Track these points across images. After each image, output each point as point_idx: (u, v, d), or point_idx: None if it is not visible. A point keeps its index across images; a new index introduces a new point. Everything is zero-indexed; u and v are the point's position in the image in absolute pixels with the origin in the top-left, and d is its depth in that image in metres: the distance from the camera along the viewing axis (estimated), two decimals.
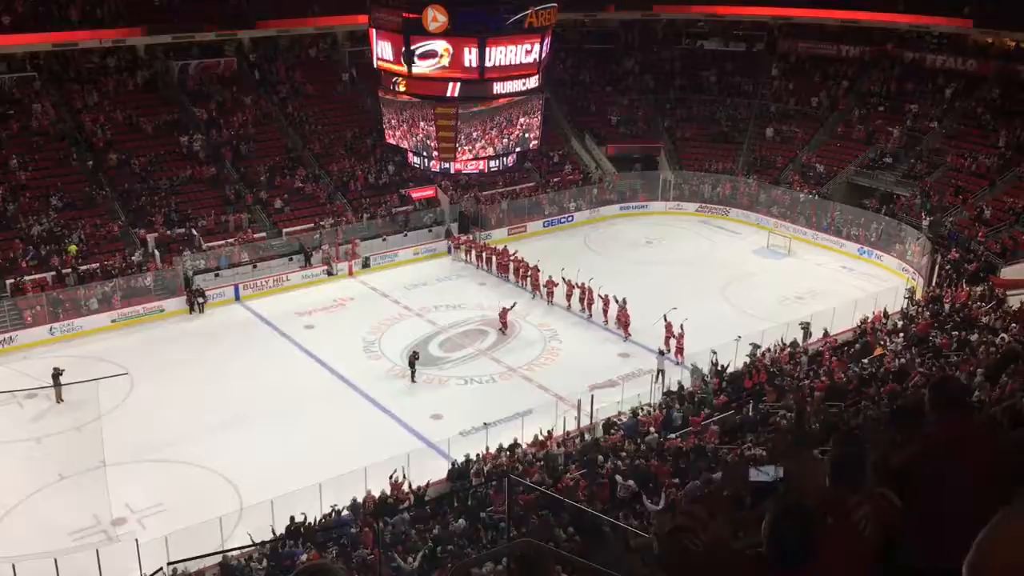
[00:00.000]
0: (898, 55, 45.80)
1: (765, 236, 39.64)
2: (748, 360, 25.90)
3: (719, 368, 25.39)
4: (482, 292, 34.21)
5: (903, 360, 22.97)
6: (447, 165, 31.63)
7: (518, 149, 32.54)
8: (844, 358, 24.77)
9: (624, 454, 20.28)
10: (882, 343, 25.60)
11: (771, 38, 49.13)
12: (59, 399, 25.69)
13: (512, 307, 30.54)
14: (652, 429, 21.76)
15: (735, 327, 28.36)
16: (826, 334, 27.90)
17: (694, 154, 45.85)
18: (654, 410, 23.72)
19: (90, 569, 17.53)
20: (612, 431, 22.64)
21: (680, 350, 27.61)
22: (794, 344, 27.01)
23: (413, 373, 26.96)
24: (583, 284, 31.98)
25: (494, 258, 36.34)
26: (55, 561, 17.49)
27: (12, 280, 30.54)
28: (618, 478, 18.92)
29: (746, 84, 48.11)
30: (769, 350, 26.36)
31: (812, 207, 40.63)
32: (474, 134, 29.92)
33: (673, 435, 21.48)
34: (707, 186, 44.09)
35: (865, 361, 24.31)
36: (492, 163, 32.87)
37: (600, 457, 20.43)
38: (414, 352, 27.46)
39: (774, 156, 44.70)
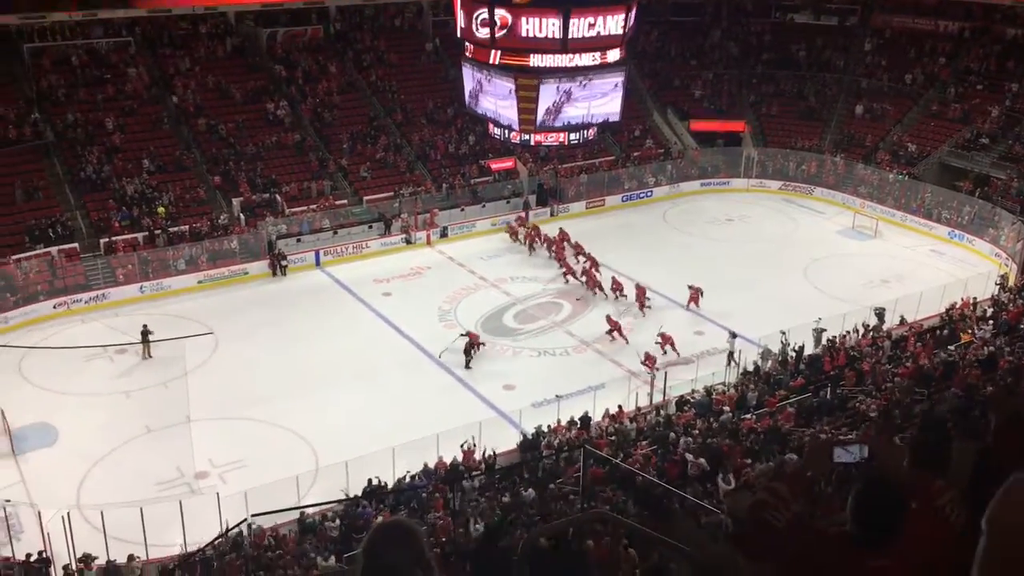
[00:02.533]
0: (1000, 31, 43.86)
1: (851, 216, 38.61)
2: (814, 342, 25.46)
3: (794, 349, 24.97)
4: (557, 265, 34.11)
5: (991, 348, 22.21)
6: (527, 137, 31.51)
7: (599, 122, 32.25)
8: (929, 344, 24.08)
9: (696, 432, 20.15)
10: (970, 330, 24.79)
11: (865, 12, 47.49)
12: (147, 355, 26.64)
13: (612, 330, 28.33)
14: (726, 408, 21.54)
15: (816, 308, 27.81)
16: (903, 321, 27.08)
17: (779, 131, 44.83)
18: (728, 389, 23.48)
19: (173, 519, 18.23)
20: (684, 409, 22.51)
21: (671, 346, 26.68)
22: (877, 328, 26.37)
23: (468, 360, 26.44)
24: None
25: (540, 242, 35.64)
26: (140, 510, 18.22)
27: (106, 239, 31.70)
28: (689, 456, 18.82)
29: (837, 59, 46.70)
30: (848, 334, 25.79)
31: (901, 188, 39.40)
32: (555, 106, 29.75)
33: (747, 415, 21.24)
34: (792, 164, 43.09)
35: (952, 348, 23.61)
36: (572, 136, 32.65)
37: (671, 434, 20.34)
38: (469, 340, 26.66)
39: (863, 134, 43.40)
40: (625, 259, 33.56)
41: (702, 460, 18.42)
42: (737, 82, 46.98)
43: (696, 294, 29.78)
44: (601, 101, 30.78)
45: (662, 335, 26.50)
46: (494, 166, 40.10)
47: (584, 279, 31.88)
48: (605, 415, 22.52)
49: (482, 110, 31.76)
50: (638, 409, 23.32)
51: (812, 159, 42.70)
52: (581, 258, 33.30)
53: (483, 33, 27.79)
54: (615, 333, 27.64)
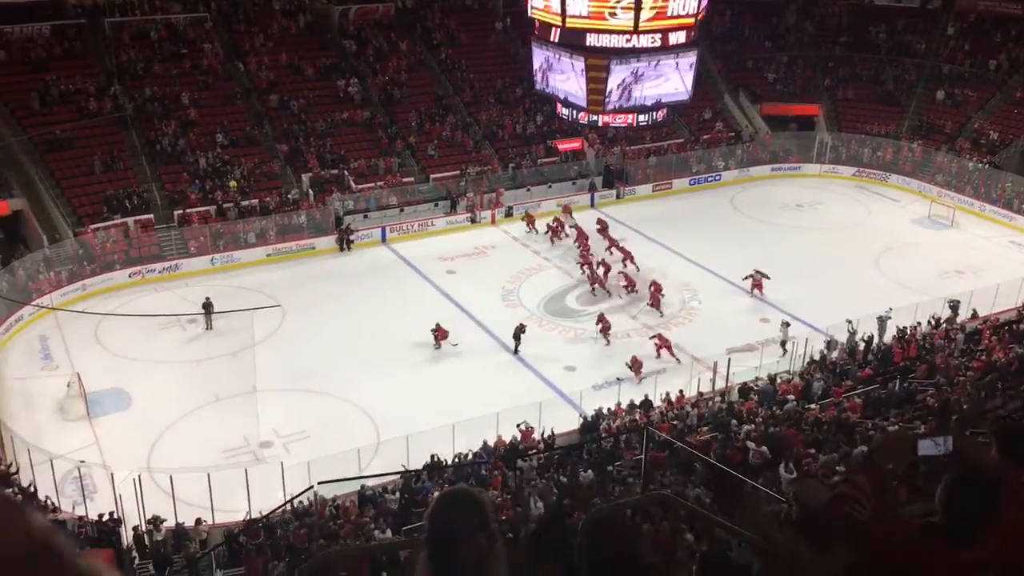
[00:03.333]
0: None
1: (927, 205, 37.55)
2: (877, 331, 24.89)
3: (863, 339, 24.46)
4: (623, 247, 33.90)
5: None
6: (595, 118, 31.34)
7: (668, 104, 31.85)
8: (1005, 338, 23.35)
9: (759, 420, 19.89)
10: None
11: None
12: (208, 327, 27.23)
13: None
14: (791, 397, 21.21)
15: (887, 298, 27.16)
16: (975, 314, 26.28)
17: (854, 115, 43.73)
18: (793, 378, 23.12)
19: (238, 486, 18.67)
20: (748, 396, 22.23)
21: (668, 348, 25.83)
22: (950, 321, 25.66)
23: (517, 346, 26.27)
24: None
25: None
26: (208, 476, 18.72)
27: (180, 211, 32.45)
28: (750, 444, 18.59)
29: (917, 43, 45.32)
30: (918, 325, 25.16)
31: (981, 177, 38.16)
32: (625, 87, 29.48)
33: (812, 405, 20.89)
34: (867, 150, 42.04)
35: None
36: (641, 117, 32.35)
37: (734, 421, 20.12)
38: (521, 325, 26.47)
39: (943, 121, 42.11)
40: (690, 244, 33.20)
41: (764, 448, 18.19)
42: (812, 65, 45.91)
43: (760, 280, 29.30)
44: (671, 83, 30.43)
45: (659, 337, 25.72)
46: (561, 147, 39.94)
47: (597, 273, 30.48)
48: (666, 400, 22.37)
49: (551, 90, 31.66)
50: (700, 395, 23.11)
51: (888, 145, 41.60)
52: (615, 251, 32.10)
53: (554, 13, 27.68)
54: (605, 333, 26.57)
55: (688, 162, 41.11)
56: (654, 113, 32.06)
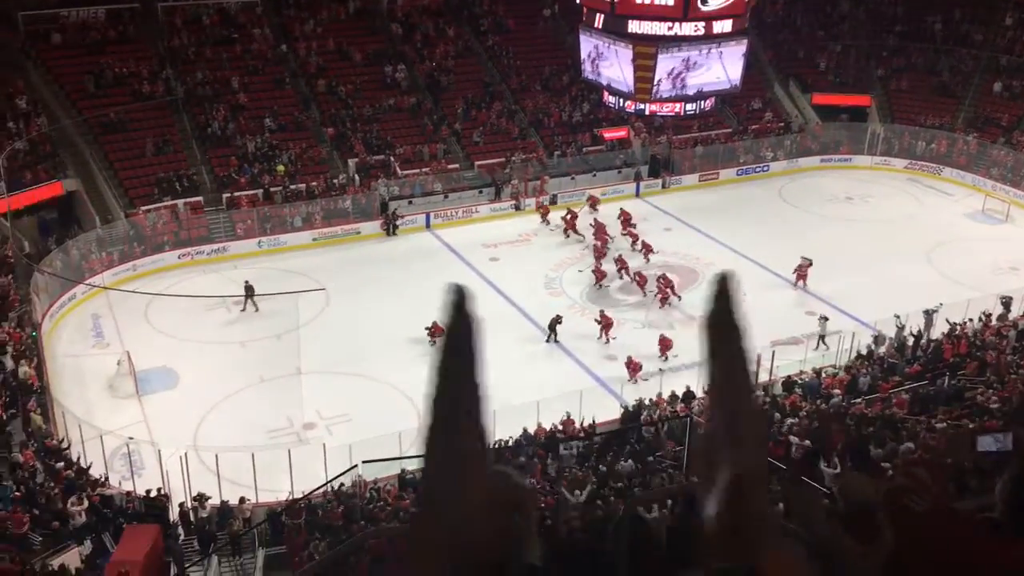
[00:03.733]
0: None
1: (981, 199, 36.73)
2: (924, 325, 24.43)
3: (914, 335, 24.05)
4: (668, 237, 33.67)
5: None
6: (642, 106, 31.08)
7: (717, 93, 31.49)
8: None
9: (803, 414, 19.68)
10: None
11: None
12: (246, 309, 27.59)
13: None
14: (836, 391, 20.95)
15: (937, 294, 26.64)
16: None
17: (908, 107, 42.88)
18: (839, 372, 22.82)
19: (282, 465, 18.93)
20: (792, 390, 21.99)
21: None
22: (1002, 317, 25.12)
23: (554, 335, 26.13)
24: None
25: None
26: (252, 455, 19.02)
27: (228, 194, 32.88)
28: (793, 439, 18.40)
29: (975, 33, 44.22)
30: (968, 321, 24.66)
31: None
32: (673, 75, 29.19)
33: (858, 400, 20.61)
34: (920, 142, 41.21)
35: None
36: (689, 106, 32.03)
37: (777, 415, 19.93)
38: (557, 316, 26.27)
39: (999, 113, 41.10)
40: (736, 235, 32.84)
41: (808, 443, 17.99)
42: (865, 54, 45.06)
43: (804, 271, 28.85)
44: (720, 71, 30.07)
45: (662, 338, 24.94)
46: (607, 135, 39.74)
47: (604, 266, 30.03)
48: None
49: (598, 78, 31.44)
50: None
51: (942, 138, 40.73)
52: (637, 245, 31.73)
53: None
54: (604, 331, 25.98)
55: (736, 152, 40.66)
56: (702, 102, 31.72)
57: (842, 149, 42.22)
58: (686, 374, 23.45)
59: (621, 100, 30.90)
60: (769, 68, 44.62)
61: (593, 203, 35.67)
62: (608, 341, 25.91)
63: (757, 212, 35.95)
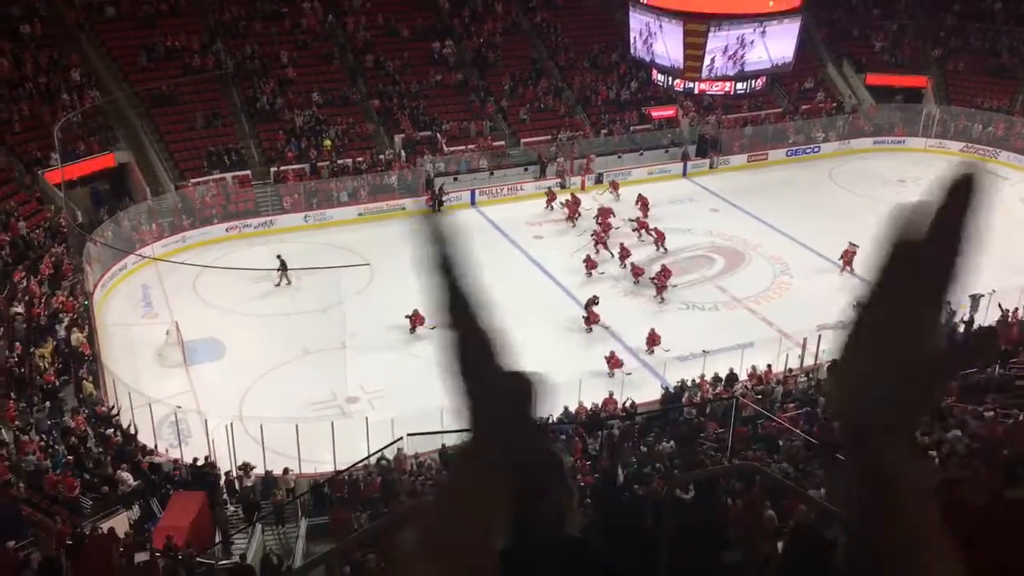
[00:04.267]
0: None
1: None
2: (969, 309, 23.92)
3: (963, 321, 23.58)
4: (715, 218, 33.34)
5: None
6: (691, 85, 30.84)
7: (768, 72, 31.01)
8: None
9: None
10: None
11: None
12: (282, 283, 27.84)
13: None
14: None
15: (991, 280, 26.01)
16: None
17: (965, 88, 41.83)
18: None
19: (324, 438, 19.16)
20: None
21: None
22: None
23: (588, 317, 25.89)
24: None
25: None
26: (296, 427, 19.28)
27: (276, 168, 33.17)
28: (836, 424, 18.15)
29: None
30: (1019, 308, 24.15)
31: None
32: (724, 54, 28.77)
33: None
34: (977, 124, 40.20)
35: None
36: (739, 85, 31.65)
37: (822, 399, 19.69)
38: (594, 296, 25.87)
39: None
40: (784, 217, 32.39)
41: None
42: (922, 34, 43.98)
43: (850, 255, 28.34)
44: (772, 50, 29.59)
45: (651, 333, 24.23)
46: (655, 114, 39.34)
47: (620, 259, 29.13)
48: (752, 374, 22.02)
49: (647, 56, 31.14)
50: (789, 371, 22.66)
51: (1000, 120, 39.70)
52: (647, 235, 30.73)
53: None
54: (590, 324, 25.18)
55: (786, 133, 40.03)
56: (752, 81, 31.32)
57: (896, 131, 41.35)
58: (727, 356, 23.26)
59: (670, 78, 30.64)
60: (822, 47, 43.76)
61: (615, 187, 35.13)
62: (590, 330, 25.12)
63: (806, 194, 35.40)
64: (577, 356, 23.45)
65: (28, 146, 30.45)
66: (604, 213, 31.46)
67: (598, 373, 21.47)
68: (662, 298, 27.01)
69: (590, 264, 28.52)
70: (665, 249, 30.12)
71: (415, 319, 24.51)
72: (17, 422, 19.23)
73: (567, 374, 21.30)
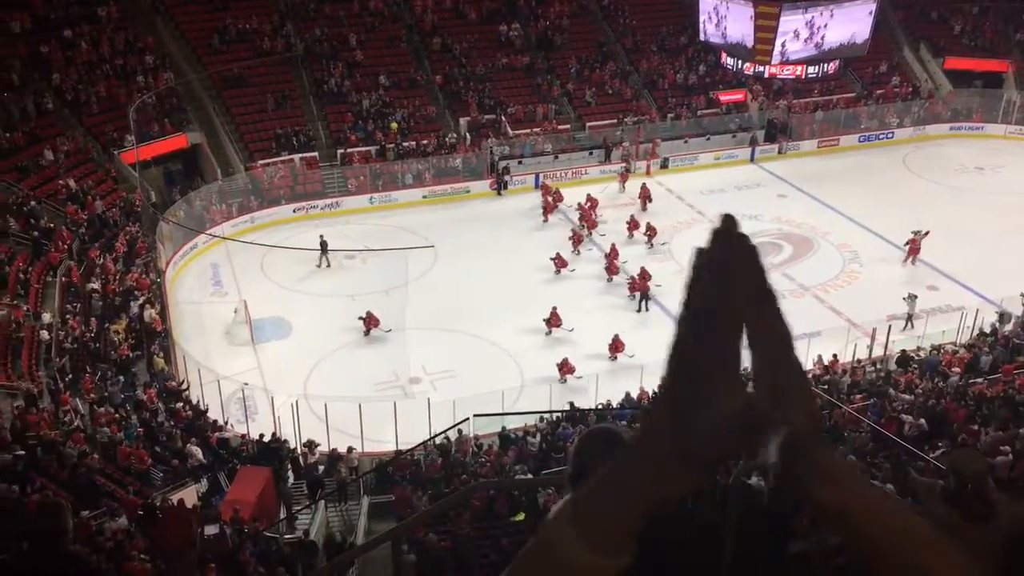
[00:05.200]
0: None
1: None
2: None
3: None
4: (782, 204, 32.75)
5: None
6: (761, 68, 30.26)
7: (842, 55, 30.26)
8: None
9: (919, 392, 18.96)
10: None
11: None
12: (321, 265, 28.13)
13: None
14: (955, 370, 20.09)
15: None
16: None
17: None
18: (960, 350, 21.87)
19: (387, 418, 19.38)
20: (908, 366, 21.20)
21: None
22: None
23: (645, 304, 25.54)
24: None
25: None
26: (359, 406, 19.53)
27: (342, 150, 33.53)
28: (907, 417, 17.74)
29: None
30: None
31: None
32: (796, 36, 28.17)
33: (979, 380, 19.72)
34: None
35: None
36: (811, 69, 30.97)
37: (891, 391, 19.26)
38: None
39: None
40: (854, 204, 31.68)
41: (922, 421, 17.34)
42: (1003, 17, 42.42)
43: (916, 244, 27.50)
44: (846, 33, 28.89)
45: (615, 339, 22.96)
46: (723, 98, 38.74)
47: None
48: (818, 363, 21.63)
49: (716, 38, 30.65)
50: (857, 362, 22.19)
51: None
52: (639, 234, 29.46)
53: None
54: (553, 327, 24.11)
55: (858, 118, 39.07)
56: (825, 65, 30.60)
57: (974, 117, 40.07)
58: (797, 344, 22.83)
59: (740, 62, 30.12)
60: (899, 30, 42.54)
61: (623, 178, 34.01)
62: (549, 332, 24.10)
63: (878, 181, 34.53)
64: (642, 340, 23.30)
65: (105, 127, 31.28)
66: (588, 210, 30.35)
67: (661, 359, 21.24)
68: (635, 298, 25.83)
69: (560, 263, 27.42)
70: (652, 244, 29.05)
71: (370, 321, 24.02)
72: (93, 395, 19.87)
73: (630, 359, 21.24)
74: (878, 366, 22.21)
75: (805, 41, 28.41)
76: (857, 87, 40.33)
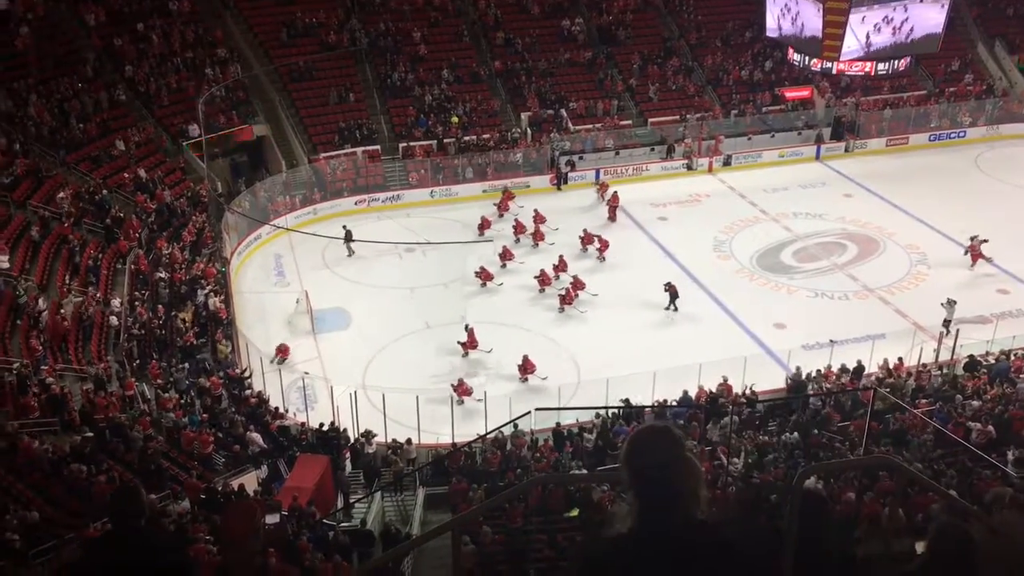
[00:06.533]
0: None
1: None
2: None
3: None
4: (848, 204, 32.12)
5: None
6: (830, 65, 29.64)
7: (913, 53, 29.52)
8: None
9: (988, 397, 18.47)
10: None
11: None
12: (350, 253, 28.39)
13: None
14: None
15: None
16: None
17: None
18: None
19: (443, 409, 19.50)
20: (976, 371, 20.64)
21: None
22: None
23: (673, 304, 25.10)
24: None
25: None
26: (416, 398, 19.72)
27: (404, 144, 33.79)
28: (974, 424, 17.27)
29: None
30: None
31: None
32: (865, 32, 27.58)
33: None
34: None
35: None
36: (880, 65, 30.25)
37: (958, 396, 18.79)
38: (670, 284, 25.26)
39: None
40: (923, 204, 30.95)
41: (991, 428, 16.88)
42: None
43: (977, 249, 26.68)
44: (918, 29, 28.20)
45: (525, 360, 22.13)
46: (789, 95, 38.11)
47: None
48: (883, 366, 21.19)
49: (783, 34, 30.16)
50: (923, 366, 21.67)
51: None
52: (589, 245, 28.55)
53: None
54: (467, 349, 23.21)
55: (929, 116, 38.10)
56: (895, 62, 29.88)
57: None
58: (856, 347, 22.43)
59: (807, 58, 29.57)
60: (973, 26, 41.36)
61: (603, 189, 32.72)
62: (463, 350, 23.24)
63: (949, 181, 33.64)
64: (698, 340, 23.11)
65: (175, 119, 31.98)
66: (538, 220, 29.41)
67: (721, 359, 21.03)
68: (562, 308, 25.20)
69: (485, 277, 26.56)
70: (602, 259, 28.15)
71: (282, 353, 23.30)
72: (159, 380, 20.37)
73: (687, 357, 21.05)
74: (944, 371, 21.66)
75: (874, 38, 27.76)
76: (928, 85, 39.33)
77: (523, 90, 36.33)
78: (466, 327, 23.31)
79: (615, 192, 31.73)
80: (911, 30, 28.07)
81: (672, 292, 25.08)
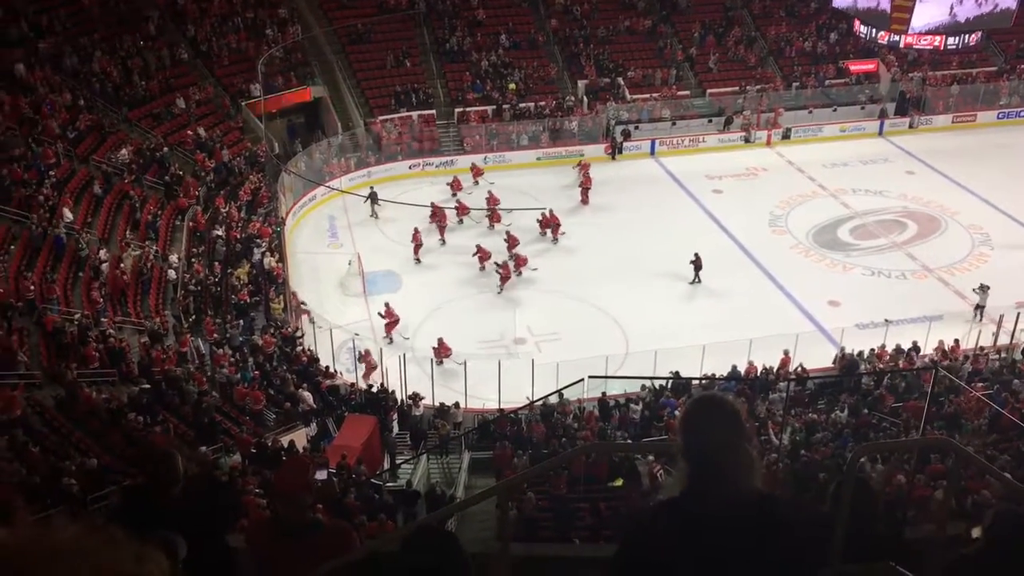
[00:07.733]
0: None
1: None
2: None
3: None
4: (910, 181, 31.39)
5: None
6: (897, 38, 28.86)
7: (986, 27, 28.57)
8: None
9: None
10: None
11: None
12: (374, 216, 28.62)
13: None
14: None
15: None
16: None
17: None
18: None
19: (490, 377, 19.60)
20: None
21: None
22: None
23: (697, 276, 24.77)
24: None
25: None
26: (464, 363, 19.85)
27: (460, 109, 33.72)
28: None
29: None
30: None
31: None
32: (936, 4, 26.77)
33: None
34: None
35: None
36: (950, 40, 29.36)
37: (1016, 381, 18.38)
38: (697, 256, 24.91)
39: None
40: (988, 184, 30.11)
41: None
42: None
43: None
44: (991, 2, 27.29)
45: (440, 342, 21.42)
46: (853, 68, 37.21)
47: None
48: (938, 348, 20.79)
49: (850, 5, 29.40)
50: (980, 349, 21.22)
51: None
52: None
53: None
54: (390, 329, 22.61)
55: (998, 93, 36.94)
56: (966, 36, 28.97)
57: None
58: (912, 328, 22.02)
59: (874, 30, 28.80)
60: None
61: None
62: (391, 341, 22.52)
63: (1017, 161, 32.63)
64: (751, 314, 22.86)
65: (234, 79, 32.29)
66: (493, 201, 28.57)
67: (772, 334, 20.80)
68: (501, 288, 24.58)
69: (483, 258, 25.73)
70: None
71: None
72: (215, 335, 20.77)
73: (738, 332, 20.87)
74: (1003, 355, 21.18)
75: (945, 10, 26.93)
76: (999, 61, 38.11)
77: (580, 57, 35.98)
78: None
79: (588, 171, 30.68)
80: (996, 4, 27.12)
81: (697, 264, 24.78)
